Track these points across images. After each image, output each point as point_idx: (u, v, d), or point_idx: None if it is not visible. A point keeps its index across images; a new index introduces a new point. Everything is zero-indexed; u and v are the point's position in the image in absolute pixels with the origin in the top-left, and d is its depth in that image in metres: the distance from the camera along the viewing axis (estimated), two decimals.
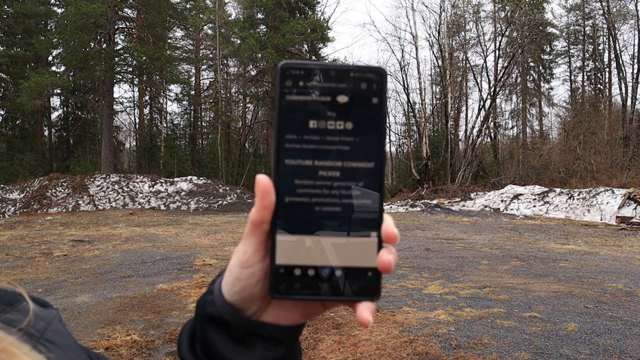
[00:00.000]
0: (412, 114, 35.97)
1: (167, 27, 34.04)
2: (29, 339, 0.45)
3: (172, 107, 48.49)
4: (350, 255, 0.36)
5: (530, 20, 31.16)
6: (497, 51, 35.29)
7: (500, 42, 35.15)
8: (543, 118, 40.88)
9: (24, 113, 30.72)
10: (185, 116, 41.28)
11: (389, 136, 36.35)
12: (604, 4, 31.84)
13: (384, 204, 0.37)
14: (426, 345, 4.16)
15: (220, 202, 21.16)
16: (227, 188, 23.26)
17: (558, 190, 20.75)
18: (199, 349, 0.47)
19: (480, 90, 35.58)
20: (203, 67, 40.18)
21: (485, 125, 33.53)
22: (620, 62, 31.95)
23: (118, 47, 28.86)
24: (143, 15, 29.38)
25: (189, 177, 23.97)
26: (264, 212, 0.34)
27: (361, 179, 0.36)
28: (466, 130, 36.91)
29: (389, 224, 0.37)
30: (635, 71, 30.57)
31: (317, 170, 0.35)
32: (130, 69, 29.49)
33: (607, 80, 35.79)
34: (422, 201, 24.50)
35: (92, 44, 26.73)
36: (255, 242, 0.36)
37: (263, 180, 0.34)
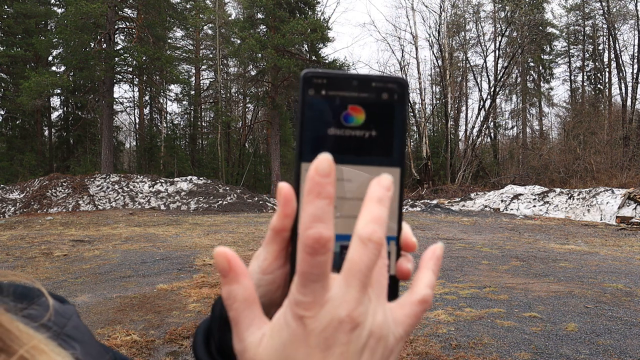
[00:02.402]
0: (412, 114, 35.98)
1: (167, 27, 34.01)
2: (51, 335, 0.46)
3: (172, 107, 48.56)
4: None
5: (530, 20, 31.18)
6: (497, 51, 35.32)
7: (500, 42, 35.17)
8: (543, 118, 40.93)
9: (24, 113, 30.72)
10: (185, 116, 41.32)
11: None
12: (604, 4, 31.85)
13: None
14: (426, 345, 4.16)
15: (220, 202, 21.16)
16: (227, 188, 23.26)
17: (558, 190, 20.76)
18: (214, 350, 0.47)
19: (480, 90, 35.61)
20: (203, 67, 40.19)
21: (485, 125, 33.54)
22: (620, 62, 31.98)
23: (118, 47, 28.85)
24: (143, 15, 29.37)
25: (189, 177, 23.98)
26: (286, 219, 0.35)
27: None
28: (466, 130, 36.94)
29: (407, 232, 0.38)
30: (635, 71, 30.61)
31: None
32: (130, 69, 29.47)
33: (607, 80, 35.82)
34: (422, 201, 24.51)
35: (92, 44, 26.70)
36: (276, 249, 0.37)
37: (285, 189, 0.34)
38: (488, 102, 33.36)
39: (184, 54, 39.16)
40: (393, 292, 0.37)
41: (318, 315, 0.30)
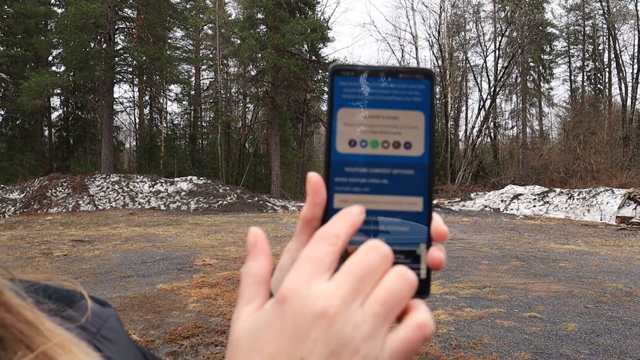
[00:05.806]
0: None
1: (167, 27, 34.00)
2: (86, 335, 0.47)
3: (172, 107, 48.54)
4: None
5: (530, 20, 31.18)
6: (497, 51, 35.32)
7: (500, 42, 35.17)
8: (543, 118, 40.91)
9: (24, 113, 30.68)
10: (185, 116, 41.30)
11: None
12: (604, 4, 31.85)
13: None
14: (426, 345, 4.16)
15: (220, 202, 21.16)
16: (227, 188, 23.25)
17: (558, 190, 20.76)
18: None
19: (480, 90, 35.62)
20: (203, 67, 40.17)
21: (485, 125, 33.55)
22: (620, 62, 31.98)
23: (118, 47, 28.83)
24: (143, 15, 29.35)
25: (189, 177, 23.96)
26: (315, 208, 0.35)
27: (409, 179, 0.37)
28: (466, 130, 36.95)
29: (438, 221, 0.38)
30: (635, 71, 30.61)
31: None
32: (130, 69, 29.46)
33: (607, 80, 35.81)
34: None
35: (92, 44, 26.68)
36: (306, 239, 0.36)
37: (314, 178, 0.35)
38: (488, 102, 33.38)
39: (184, 54, 39.14)
40: (426, 283, 0.38)
41: (297, 301, 0.30)
